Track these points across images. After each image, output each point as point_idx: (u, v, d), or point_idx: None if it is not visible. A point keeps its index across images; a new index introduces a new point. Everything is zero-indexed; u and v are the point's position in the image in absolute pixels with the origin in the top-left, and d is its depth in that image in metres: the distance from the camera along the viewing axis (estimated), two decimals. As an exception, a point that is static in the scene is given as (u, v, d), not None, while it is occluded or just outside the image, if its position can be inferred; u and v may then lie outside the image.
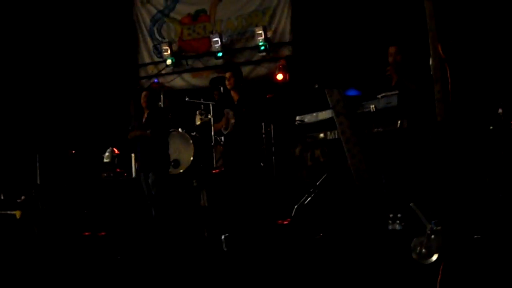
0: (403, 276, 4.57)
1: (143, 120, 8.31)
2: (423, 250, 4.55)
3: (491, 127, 6.53)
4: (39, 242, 7.86)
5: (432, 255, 4.49)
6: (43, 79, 11.52)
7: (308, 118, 6.59)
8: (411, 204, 4.86)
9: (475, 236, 4.76)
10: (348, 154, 5.86)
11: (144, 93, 8.48)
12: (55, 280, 5.55)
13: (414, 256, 4.59)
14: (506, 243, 4.65)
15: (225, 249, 5.98)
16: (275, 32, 11.25)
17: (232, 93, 7.66)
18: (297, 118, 6.76)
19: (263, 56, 11.24)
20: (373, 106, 5.79)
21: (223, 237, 6.04)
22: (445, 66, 4.62)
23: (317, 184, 7.35)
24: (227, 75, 7.70)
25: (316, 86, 6.12)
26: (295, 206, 7.24)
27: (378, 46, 8.94)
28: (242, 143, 7.45)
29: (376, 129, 5.87)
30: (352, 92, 6.15)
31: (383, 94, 5.84)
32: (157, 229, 7.82)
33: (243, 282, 5.05)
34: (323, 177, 7.35)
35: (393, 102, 5.66)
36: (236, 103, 7.55)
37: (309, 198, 7.28)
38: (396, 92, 5.70)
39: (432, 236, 4.54)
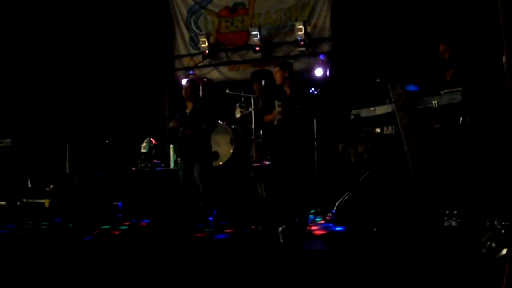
0: (464, 271, 4.59)
1: (187, 112, 8.25)
2: (493, 245, 4.57)
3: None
4: (80, 231, 7.87)
5: (501, 249, 4.52)
6: (79, 68, 11.57)
7: (364, 113, 6.58)
8: (480, 200, 4.88)
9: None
10: (407, 149, 5.86)
11: (187, 85, 8.42)
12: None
13: (483, 250, 4.62)
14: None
15: (281, 241, 6.00)
16: (314, 27, 11.25)
17: (284, 87, 7.67)
18: (353, 112, 6.75)
19: (301, 51, 11.23)
20: (436, 102, 5.78)
21: (280, 229, 6.05)
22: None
23: (360, 180, 7.33)
24: (275, 70, 7.73)
25: (378, 80, 6.10)
26: (337, 202, 7.23)
27: (418, 43, 9.01)
28: (293, 137, 7.46)
29: (437, 125, 5.86)
30: (411, 87, 6.14)
31: (447, 90, 5.84)
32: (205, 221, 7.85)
33: (301, 274, 5.07)
34: (366, 173, 7.34)
35: (456, 98, 5.65)
36: (288, 96, 7.56)
37: (351, 194, 7.27)
38: (460, 88, 5.69)
39: (502, 231, 4.57)
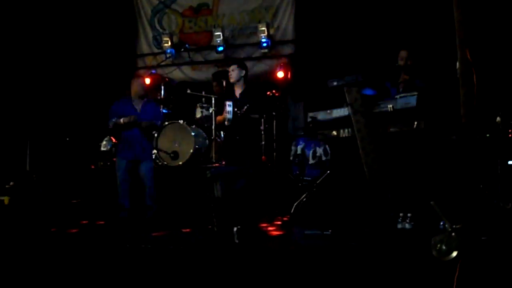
0: (416, 273, 4.66)
1: (136, 109, 8.24)
2: (443, 247, 4.65)
3: (487, 135, 6.67)
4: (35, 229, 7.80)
5: (451, 252, 4.59)
6: (40, 65, 11.45)
7: (321, 115, 6.63)
8: (431, 203, 4.95)
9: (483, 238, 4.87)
10: (362, 152, 5.91)
11: (138, 81, 8.47)
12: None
13: (434, 253, 4.68)
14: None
15: (236, 241, 6.01)
16: (277, 29, 11.32)
17: (236, 86, 7.73)
18: (310, 114, 6.80)
19: (264, 53, 11.31)
20: (391, 106, 5.85)
21: (235, 229, 6.07)
22: (471, 70, 4.70)
23: (318, 182, 7.39)
24: (231, 68, 7.77)
25: (335, 83, 6.15)
26: (294, 204, 7.28)
27: (382, 46, 9.11)
28: (241, 137, 7.52)
29: (392, 129, 5.94)
30: (368, 91, 6.21)
31: (402, 94, 5.91)
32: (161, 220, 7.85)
33: (253, 276, 5.09)
34: (324, 175, 7.40)
35: (411, 103, 5.73)
36: (238, 97, 7.62)
37: (309, 196, 7.33)
38: (415, 93, 5.77)
39: (453, 234, 4.64)
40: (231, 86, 7.95)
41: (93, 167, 10.31)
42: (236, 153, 7.61)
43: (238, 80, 7.72)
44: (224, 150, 9.09)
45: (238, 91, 7.73)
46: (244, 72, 7.74)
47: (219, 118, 7.92)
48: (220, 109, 8.01)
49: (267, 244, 6.16)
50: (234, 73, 7.72)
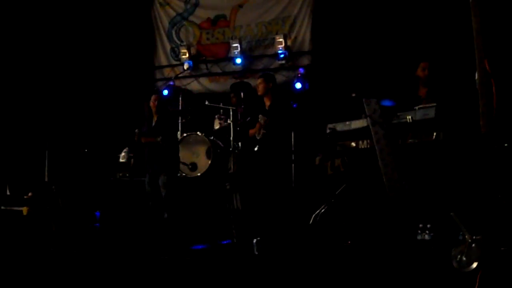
0: (436, 284, 4.65)
1: (153, 124, 8.48)
2: (463, 259, 4.63)
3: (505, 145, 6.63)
4: (55, 240, 7.84)
5: (472, 263, 4.57)
6: (59, 76, 11.55)
7: (340, 127, 6.63)
8: (451, 214, 4.94)
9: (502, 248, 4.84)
10: (381, 164, 5.91)
11: (153, 97, 8.60)
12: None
13: (454, 264, 4.67)
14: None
15: (256, 253, 6.02)
16: (294, 40, 11.29)
17: (265, 99, 7.74)
18: (329, 126, 6.80)
19: (281, 64, 11.29)
20: (410, 117, 5.85)
21: (254, 241, 6.07)
22: (491, 81, 4.69)
23: (337, 193, 7.37)
24: (258, 81, 7.81)
25: (353, 94, 6.17)
26: (313, 215, 7.27)
27: (400, 57, 9.09)
28: (273, 150, 7.52)
29: (411, 140, 5.94)
30: (387, 103, 6.22)
31: (421, 105, 5.91)
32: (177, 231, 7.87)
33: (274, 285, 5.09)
34: (343, 186, 7.39)
35: (430, 114, 5.73)
36: (267, 109, 7.64)
37: (327, 207, 7.31)
38: (433, 104, 5.77)
39: (473, 245, 4.62)
40: (260, 98, 7.99)
41: (112, 178, 10.36)
42: (265, 166, 7.62)
43: (265, 93, 7.76)
44: (246, 162, 9.11)
45: (267, 103, 7.76)
46: (271, 84, 7.77)
47: (251, 131, 7.95)
48: (254, 122, 8.02)
49: (286, 255, 6.15)
50: (261, 86, 7.77)
